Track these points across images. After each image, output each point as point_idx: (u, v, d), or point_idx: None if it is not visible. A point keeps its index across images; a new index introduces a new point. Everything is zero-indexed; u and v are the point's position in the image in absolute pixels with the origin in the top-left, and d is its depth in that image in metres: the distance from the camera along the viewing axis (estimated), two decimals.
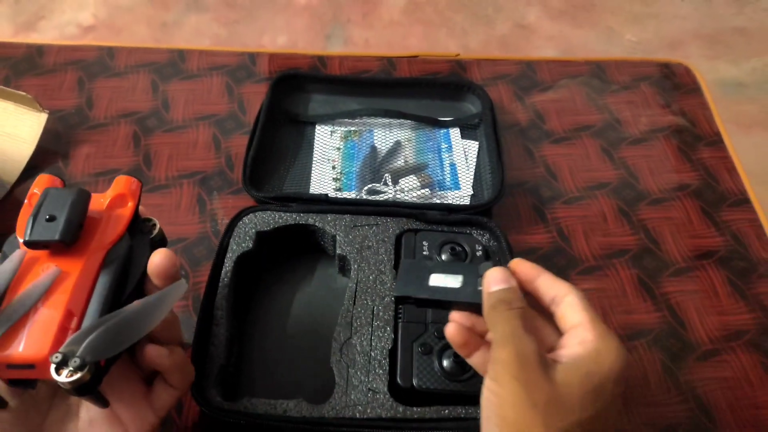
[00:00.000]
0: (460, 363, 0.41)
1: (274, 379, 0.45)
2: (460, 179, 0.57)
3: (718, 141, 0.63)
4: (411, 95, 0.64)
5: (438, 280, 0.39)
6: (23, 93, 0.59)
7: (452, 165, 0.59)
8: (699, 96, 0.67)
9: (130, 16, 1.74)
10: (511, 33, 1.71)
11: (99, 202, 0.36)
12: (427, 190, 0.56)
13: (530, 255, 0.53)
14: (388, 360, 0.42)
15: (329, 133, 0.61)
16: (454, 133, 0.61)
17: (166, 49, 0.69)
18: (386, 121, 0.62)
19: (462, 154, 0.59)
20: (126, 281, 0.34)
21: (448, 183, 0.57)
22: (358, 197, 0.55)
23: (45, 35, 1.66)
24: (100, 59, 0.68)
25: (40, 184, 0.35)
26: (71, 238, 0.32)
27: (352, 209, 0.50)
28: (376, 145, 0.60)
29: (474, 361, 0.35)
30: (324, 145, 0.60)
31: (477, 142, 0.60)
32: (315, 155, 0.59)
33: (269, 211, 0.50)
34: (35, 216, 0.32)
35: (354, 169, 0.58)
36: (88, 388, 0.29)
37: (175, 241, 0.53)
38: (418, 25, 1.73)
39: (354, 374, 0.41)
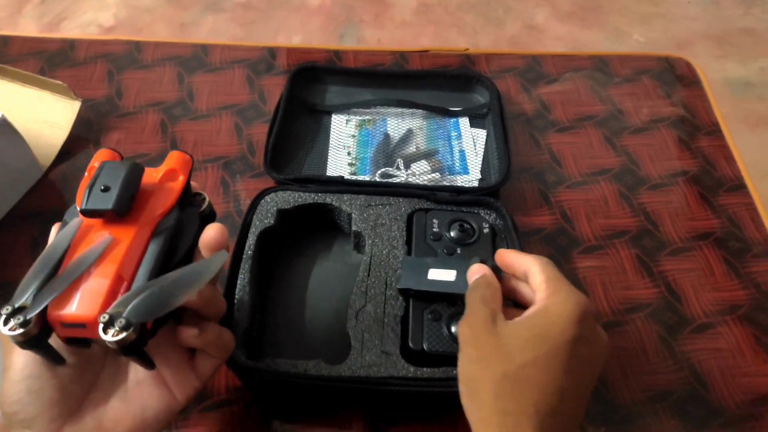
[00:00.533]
0: None
1: (295, 342, 0.48)
2: (468, 165, 0.61)
3: (716, 131, 0.66)
4: (422, 86, 0.67)
5: (435, 274, 0.45)
6: (59, 82, 0.63)
7: (461, 151, 0.62)
8: (699, 89, 0.69)
9: (150, 17, 1.79)
10: (520, 33, 1.75)
11: (152, 175, 0.37)
12: (437, 174, 0.59)
13: (535, 235, 0.56)
14: (400, 326, 0.45)
15: (345, 121, 0.65)
16: (464, 122, 0.64)
17: (190, 44, 0.73)
18: (399, 110, 0.65)
19: (471, 141, 0.63)
20: (175, 251, 0.36)
21: (457, 168, 0.60)
22: (372, 180, 0.59)
23: (68, 35, 1.71)
24: (128, 53, 0.72)
25: (99, 157, 0.38)
26: (124, 208, 0.34)
27: (366, 190, 0.54)
28: (389, 132, 0.64)
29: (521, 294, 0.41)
30: (340, 133, 0.64)
31: (485, 131, 0.63)
32: (331, 142, 0.63)
33: (289, 191, 0.53)
34: (91, 186, 0.34)
35: (368, 154, 0.62)
36: (134, 349, 0.31)
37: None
38: (429, 26, 1.77)
39: (369, 338, 0.45)
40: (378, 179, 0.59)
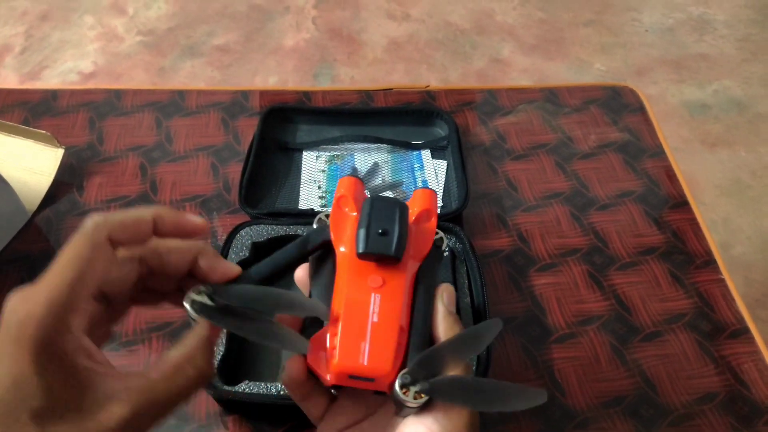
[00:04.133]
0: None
1: (272, 365, 0.51)
2: None
3: (660, 153, 0.71)
4: (387, 122, 0.72)
5: None
6: (42, 131, 0.66)
7: (424, 181, 0.66)
8: (643, 114, 0.75)
9: (129, 62, 1.84)
10: (487, 67, 1.83)
11: (409, 215, 0.36)
12: None
13: (495, 256, 0.61)
14: None
15: (315, 157, 0.69)
16: (426, 154, 0.69)
17: (167, 90, 0.78)
18: (365, 145, 0.70)
19: (433, 171, 0.67)
20: (433, 296, 0.34)
21: None
22: None
23: (49, 83, 1.76)
24: (108, 101, 0.76)
25: (345, 185, 0.37)
26: (402, 255, 0.33)
27: None
28: (356, 166, 0.68)
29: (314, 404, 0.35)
30: (310, 169, 0.68)
31: (445, 161, 0.68)
32: (303, 177, 0.67)
33: (263, 225, 0.57)
34: (368, 228, 0.33)
35: None
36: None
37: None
38: (400, 63, 1.84)
39: None
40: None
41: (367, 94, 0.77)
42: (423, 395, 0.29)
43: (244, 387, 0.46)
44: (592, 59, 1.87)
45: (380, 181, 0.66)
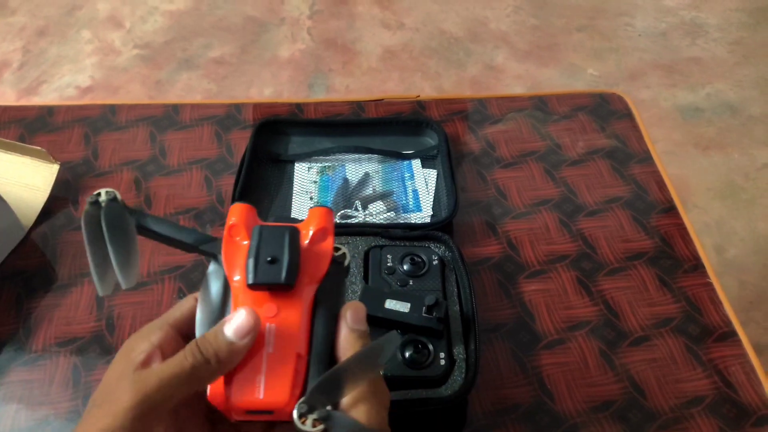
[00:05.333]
0: (419, 354, 0.48)
1: None
2: (421, 202, 0.66)
3: (647, 158, 0.72)
4: (377, 133, 0.73)
5: (392, 304, 0.50)
6: (38, 147, 0.67)
7: (414, 191, 0.67)
8: (631, 120, 0.76)
9: (126, 76, 1.86)
10: (481, 74, 1.84)
11: (304, 236, 0.35)
12: (392, 213, 0.64)
13: (485, 263, 0.61)
14: None
15: (307, 169, 0.70)
16: (416, 163, 0.70)
17: (161, 104, 0.79)
18: (356, 156, 0.71)
19: (423, 181, 0.68)
20: (335, 316, 0.33)
21: (411, 206, 0.66)
22: None
23: (46, 98, 1.77)
24: (103, 116, 0.77)
25: (236, 213, 0.35)
26: (294, 281, 0.32)
27: None
28: (347, 177, 0.69)
29: None
30: (302, 180, 0.69)
31: (435, 170, 0.69)
32: (295, 189, 0.68)
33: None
34: (257, 257, 0.32)
35: (329, 198, 0.67)
36: None
37: (173, 268, 0.61)
38: (395, 71, 1.86)
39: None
40: (338, 221, 0.64)
41: (359, 105, 0.78)
42: (320, 423, 0.28)
43: None
44: (586, 64, 1.89)
45: (371, 191, 0.67)
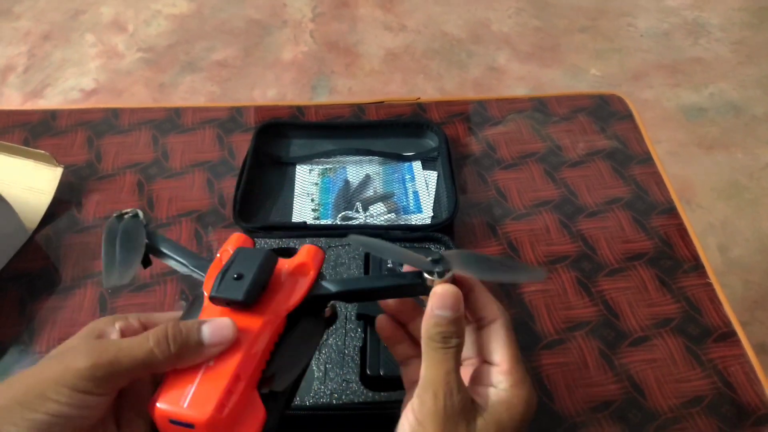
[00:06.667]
0: None
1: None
2: (422, 204, 0.66)
3: (648, 159, 0.72)
4: (378, 135, 0.73)
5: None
6: (41, 151, 0.68)
7: (415, 192, 0.68)
8: (631, 121, 0.76)
9: (129, 79, 1.87)
10: (483, 75, 1.84)
11: (284, 266, 0.35)
12: (393, 214, 0.65)
13: None
14: (359, 355, 0.50)
15: (308, 171, 0.71)
16: (416, 165, 0.70)
17: (163, 108, 0.79)
18: (357, 158, 0.71)
19: (423, 182, 0.68)
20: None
21: (411, 208, 0.66)
22: (333, 223, 0.64)
23: (51, 101, 1.79)
24: (106, 119, 0.78)
25: (233, 242, 0.37)
26: (253, 300, 0.32)
27: (327, 233, 0.59)
28: (348, 179, 0.69)
29: (396, 351, 0.41)
30: (304, 182, 0.69)
31: (436, 172, 0.69)
32: (296, 191, 0.68)
33: (256, 238, 0.58)
34: (224, 272, 0.32)
35: (330, 200, 0.67)
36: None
37: (175, 270, 0.61)
38: (397, 73, 1.86)
39: (331, 368, 0.49)
40: (339, 222, 0.64)
41: (359, 108, 0.79)
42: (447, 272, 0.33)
43: None
44: (588, 65, 1.89)
45: (372, 193, 0.68)
